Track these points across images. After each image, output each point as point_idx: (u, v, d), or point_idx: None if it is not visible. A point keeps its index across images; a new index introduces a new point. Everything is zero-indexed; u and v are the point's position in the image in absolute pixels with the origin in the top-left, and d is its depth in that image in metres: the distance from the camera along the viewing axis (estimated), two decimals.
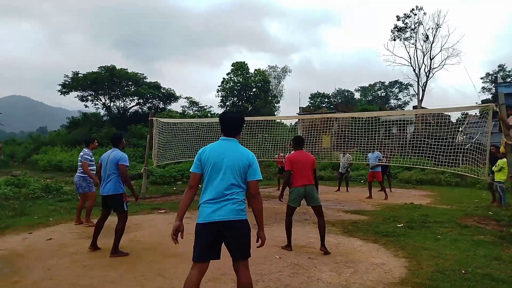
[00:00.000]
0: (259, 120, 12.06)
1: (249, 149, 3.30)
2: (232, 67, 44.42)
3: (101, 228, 5.61)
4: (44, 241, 6.10)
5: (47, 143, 32.36)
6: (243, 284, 3.05)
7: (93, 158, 7.67)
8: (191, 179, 3.24)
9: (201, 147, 3.40)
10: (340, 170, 14.57)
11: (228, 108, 43.16)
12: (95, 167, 7.59)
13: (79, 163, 7.56)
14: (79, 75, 33.96)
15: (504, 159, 8.38)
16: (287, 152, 11.90)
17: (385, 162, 12.47)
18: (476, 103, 25.51)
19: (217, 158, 3.11)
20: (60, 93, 34.63)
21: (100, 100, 36.18)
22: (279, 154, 13.03)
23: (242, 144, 3.31)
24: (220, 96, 44.79)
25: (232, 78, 43.94)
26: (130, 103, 36.96)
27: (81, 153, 7.60)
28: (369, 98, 69.98)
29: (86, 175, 7.45)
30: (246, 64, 44.29)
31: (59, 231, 6.86)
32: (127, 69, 35.14)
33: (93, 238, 5.58)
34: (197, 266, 3.07)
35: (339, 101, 65.69)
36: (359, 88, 75.00)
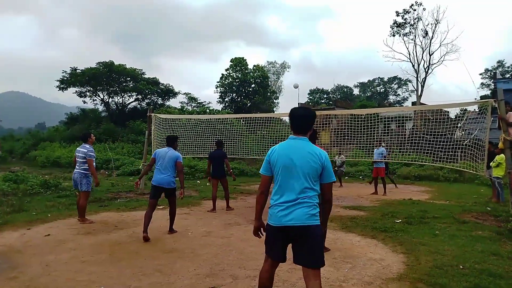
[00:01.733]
0: (259, 117, 12.06)
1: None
2: (231, 63, 44.26)
3: (151, 217, 6.20)
4: (43, 237, 6.09)
5: (46, 139, 32.34)
6: None
7: (95, 154, 7.54)
8: (261, 182, 3.10)
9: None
10: (335, 168, 14.73)
11: (227, 103, 43.06)
12: (95, 164, 7.58)
13: (80, 160, 7.26)
14: (78, 71, 33.86)
15: (502, 155, 8.39)
16: None
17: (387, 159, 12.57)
18: (475, 99, 25.50)
19: (288, 158, 2.94)
20: (58, 89, 34.56)
21: (99, 96, 36.13)
22: None
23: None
24: (219, 92, 44.68)
25: (231, 74, 43.78)
26: (128, 99, 36.93)
27: (82, 149, 7.30)
28: (368, 94, 69.95)
29: (88, 172, 7.27)
30: (245, 59, 44.14)
31: (58, 227, 6.85)
32: (125, 64, 35.05)
33: (145, 226, 6.02)
34: (269, 260, 3.07)
35: (338, 97, 65.66)
36: (358, 84, 75.03)
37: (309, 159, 2.92)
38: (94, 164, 7.43)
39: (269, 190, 3.09)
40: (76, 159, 7.39)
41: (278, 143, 3.16)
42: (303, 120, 3.06)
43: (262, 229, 3.14)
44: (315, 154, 2.94)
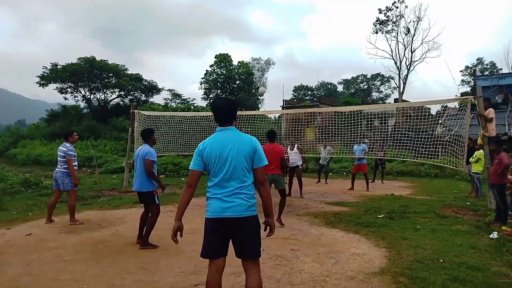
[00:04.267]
0: (244, 114, 12.06)
1: None
2: (216, 59, 44.10)
3: (145, 221, 5.65)
4: (24, 236, 5.99)
5: (26, 137, 31.67)
6: (252, 287, 2.86)
7: (75, 153, 7.28)
8: (189, 177, 3.03)
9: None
10: (320, 162, 14.68)
11: (211, 100, 42.89)
12: (77, 163, 7.41)
13: (61, 159, 7.03)
14: (58, 66, 33.18)
15: (481, 151, 8.60)
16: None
17: (382, 156, 12.75)
18: (456, 95, 26.05)
19: (220, 150, 2.90)
20: (38, 85, 33.80)
21: (80, 92, 35.51)
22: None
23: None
24: (204, 89, 44.50)
25: (216, 70, 43.65)
26: (111, 96, 36.39)
27: (62, 148, 7.07)
28: (352, 91, 70.62)
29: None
30: (230, 56, 44.05)
31: (39, 226, 6.74)
32: (107, 60, 34.54)
33: (139, 231, 5.67)
34: (213, 262, 2.92)
35: (322, 93, 66.06)
36: (342, 80, 75.64)
37: (242, 147, 2.90)
38: (76, 163, 7.25)
39: (197, 186, 3.03)
40: (58, 158, 7.16)
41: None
42: (225, 110, 3.02)
43: (180, 233, 3.01)
44: (245, 141, 2.94)
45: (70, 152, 7.03)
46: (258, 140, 3.09)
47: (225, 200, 2.87)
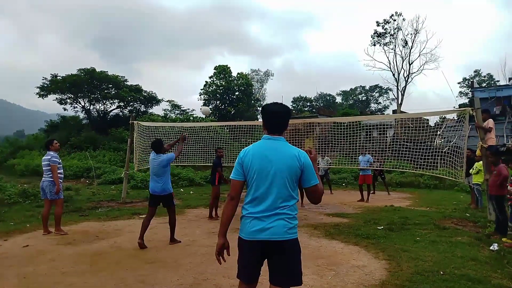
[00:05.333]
0: (243, 125, 12.07)
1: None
2: (215, 70, 44.31)
3: (148, 225, 6.24)
4: (21, 248, 5.93)
5: (25, 147, 31.54)
6: None
7: (60, 161, 7.34)
8: (231, 188, 2.72)
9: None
10: (319, 173, 14.62)
11: (210, 111, 42.98)
12: (62, 171, 7.42)
13: (46, 167, 7.08)
14: (58, 77, 33.28)
15: (481, 162, 8.60)
16: None
17: (379, 166, 12.69)
18: (454, 107, 26.22)
19: (263, 162, 2.60)
20: (38, 96, 33.83)
21: (80, 103, 35.50)
22: None
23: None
24: (203, 100, 44.58)
25: (215, 82, 43.79)
26: (110, 106, 36.36)
27: (46, 157, 7.13)
28: (350, 102, 70.85)
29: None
30: (229, 67, 44.27)
31: (37, 237, 6.68)
32: (107, 71, 34.62)
33: (142, 232, 6.08)
34: (242, 285, 2.69)
35: (321, 105, 66.29)
36: (341, 92, 75.89)
37: (288, 162, 2.58)
38: (62, 171, 7.28)
39: (240, 197, 2.73)
40: (43, 168, 7.22)
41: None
42: (280, 117, 2.72)
43: (226, 250, 2.76)
44: (293, 156, 2.61)
45: (54, 159, 7.10)
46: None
47: (264, 220, 2.56)
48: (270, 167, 2.59)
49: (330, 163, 13.98)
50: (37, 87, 33.46)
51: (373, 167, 12.30)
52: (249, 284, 2.68)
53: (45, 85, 33.35)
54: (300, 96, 67.61)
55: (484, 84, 47.49)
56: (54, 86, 32.96)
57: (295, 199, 2.65)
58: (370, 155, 12.19)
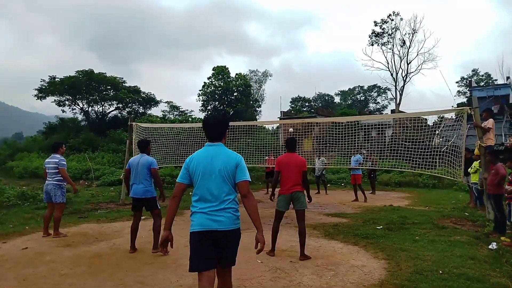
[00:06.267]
0: (241, 125, 12.08)
1: None
2: (213, 71, 44.29)
3: (137, 230, 5.96)
4: (20, 250, 5.93)
5: (23, 149, 31.49)
6: None
7: (66, 163, 7.31)
8: (175, 189, 3.14)
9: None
10: (316, 174, 14.71)
11: (209, 112, 42.94)
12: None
13: (52, 170, 7.02)
14: (56, 79, 33.23)
15: (479, 161, 8.62)
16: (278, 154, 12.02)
17: (372, 166, 12.72)
18: (452, 106, 26.29)
19: (206, 165, 3.02)
20: (36, 97, 33.79)
21: (78, 104, 35.46)
22: (270, 156, 13.13)
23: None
24: (201, 100, 44.57)
25: (213, 82, 43.76)
26: (109, 108, 36.33)
27: (53, 160, 7.07)
28: (349, 102, 70.88)
29: (62, 183, 7.07)
30: (227, 68, 44.24)
31: (36, 240, 6.68)
32: (105, 73, 34.60)
33: (132, 242, 5.88)
34: (204, 275, 2.90)
35: (320, 105, 66.30)
36: (339, 92, 75.90)
37: (226, 163, 3.01)
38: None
39: (181, 197, 3.15)
40: (47, 170, 7.14)
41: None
42: (215, 127, 3.17)
43: (170, 242, 3.11)
44: (230, 157, 3.05)
45: (62, 162, 7.07)
46: (256, 150, 3.15)
47: (212, 214, 2.95)
48: (212, 169, 3.00)
49: (326, 163, 14.07)
50: (35, 89, 33.45)
51: (362, 166, 12.35)
52: (205, 271, 2.92)
53: (43, 87, 33.32)
54: (298, 96, 67.59)
55: (482, 83, 47.59)
56: (52, 88, 32.92)
57: (235, 193, 3.08)
58: (360, 155, 12.23)
